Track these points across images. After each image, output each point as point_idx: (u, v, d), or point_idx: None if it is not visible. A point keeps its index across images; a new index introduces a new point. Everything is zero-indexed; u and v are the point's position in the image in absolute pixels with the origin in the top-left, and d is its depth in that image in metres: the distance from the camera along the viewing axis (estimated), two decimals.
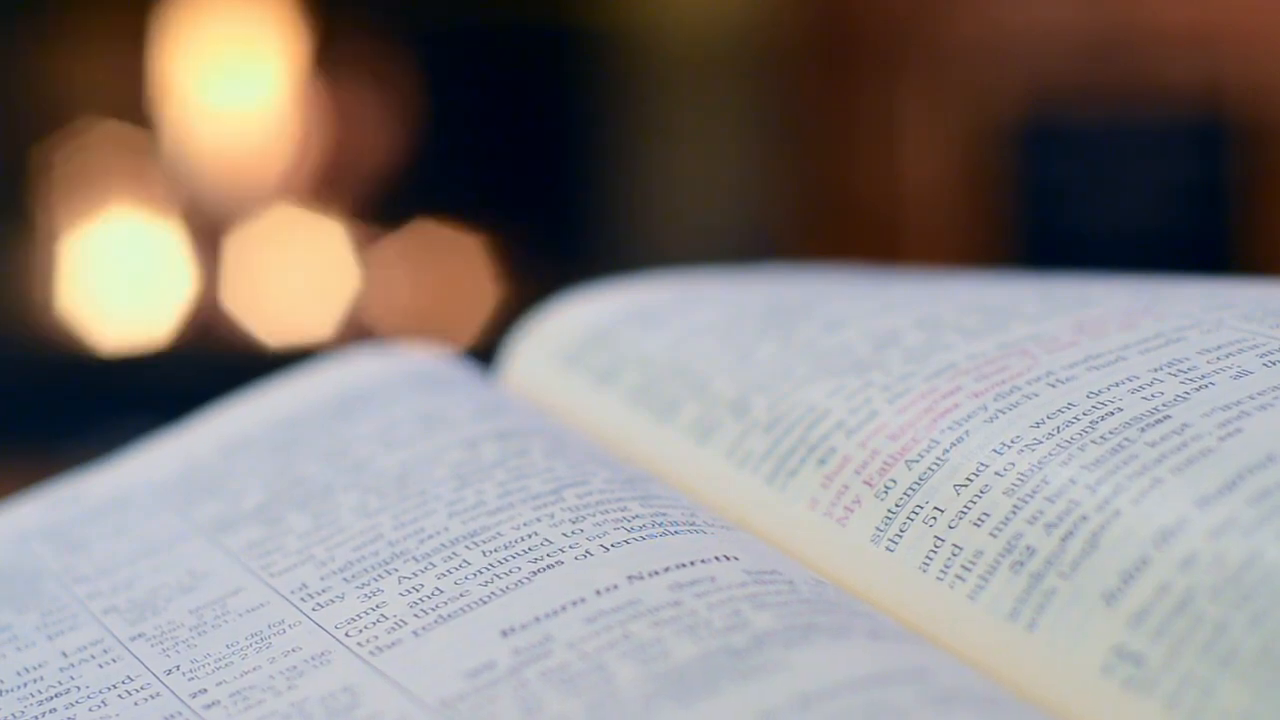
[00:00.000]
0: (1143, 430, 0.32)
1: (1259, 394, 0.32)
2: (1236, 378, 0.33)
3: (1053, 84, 1.70)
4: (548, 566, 0.32)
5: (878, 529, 0.33)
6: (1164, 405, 0.32)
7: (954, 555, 0.31)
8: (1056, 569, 0.30)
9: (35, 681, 0.34)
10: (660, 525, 0.33)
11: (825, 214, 1.78)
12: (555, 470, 0.36)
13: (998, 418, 0.33)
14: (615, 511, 0.34)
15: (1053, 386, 0.34)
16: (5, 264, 1.67)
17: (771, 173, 1.77)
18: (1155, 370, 0.34)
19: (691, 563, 0.32)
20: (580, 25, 1.75)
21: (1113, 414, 0.32)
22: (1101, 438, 0.32)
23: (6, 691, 0.34)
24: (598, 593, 0.31)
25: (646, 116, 1.74)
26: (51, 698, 0.33)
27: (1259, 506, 0.29)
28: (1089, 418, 0.32)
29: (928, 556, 0.32)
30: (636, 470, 0.37)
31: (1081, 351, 0.35)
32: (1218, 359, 0.33)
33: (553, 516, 0.34)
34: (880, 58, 1.74)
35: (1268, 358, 0.33)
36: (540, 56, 1.76)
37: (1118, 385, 0.33)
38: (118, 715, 0.32)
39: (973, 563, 0.31)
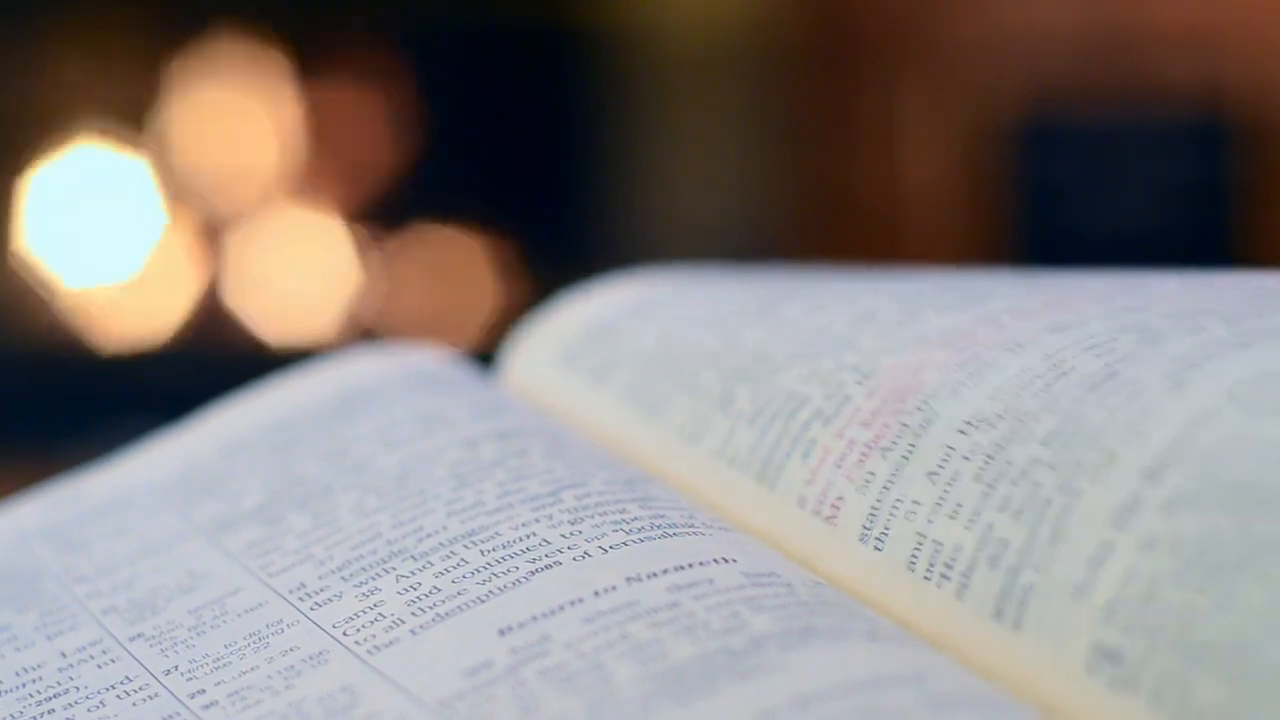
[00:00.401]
0: (1093, 389, 0.31)
1: (1209, 345, 0.31)
2: (1192, 333, 0.32)
3: (1053, 84, 1.70)
4: (546, 567, 0.32)
5: (864, 527, 0.33)
6: (1115, 362, 0.32)
7: (936, 552, 0.31)
8: (1030, 562, 0.29)
9: (34, 682, 0.34)
10: (659, 527, 0.33)
11: (825, 214, 1.78)
12: (554, 471, 0.36)
13: (960, 391, 0.33)
14: (614, 513, 0.34)
15: (1011, 352, 0.33)
16: (5, 263, 1.67)
17: (771, 173, 1.77)
18: (1114, 331, 0.33)
19: (690, 565, 0.32)
20: (580, 25, 1.75)
21: (1066, 374, 0.32)
22: (1055, 403, 0.31)
23: (6, 692, 0.34)
24: (596, 593, 0.31)
25: (646, 116, 1.74)
26: (50, 698, 0.33)
27: (1204, 473, 0.28)
28: (1043, 380, 0.32)
29: (913, 554, 0.32)
30: (635, 471, 0.37)
31: (1048, 319, 0.35)
32: (1178, 319, 0.33)
33: (551, 517, 0.34)
34: (880, 58, 1.74)
35: (1228, 319, 0.32)
36: (540, 57, 1.76)
37: (1074, 345, 0.33)
38: (116, 715, 0.32)
39: (954, 559, 0.31)
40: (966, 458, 0.32)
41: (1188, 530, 0.28)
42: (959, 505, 0.31)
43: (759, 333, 0.39)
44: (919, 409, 0.34)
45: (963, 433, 0.32)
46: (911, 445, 0.33)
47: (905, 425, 0.33)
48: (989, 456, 0.31)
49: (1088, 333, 0.33)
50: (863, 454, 0.34)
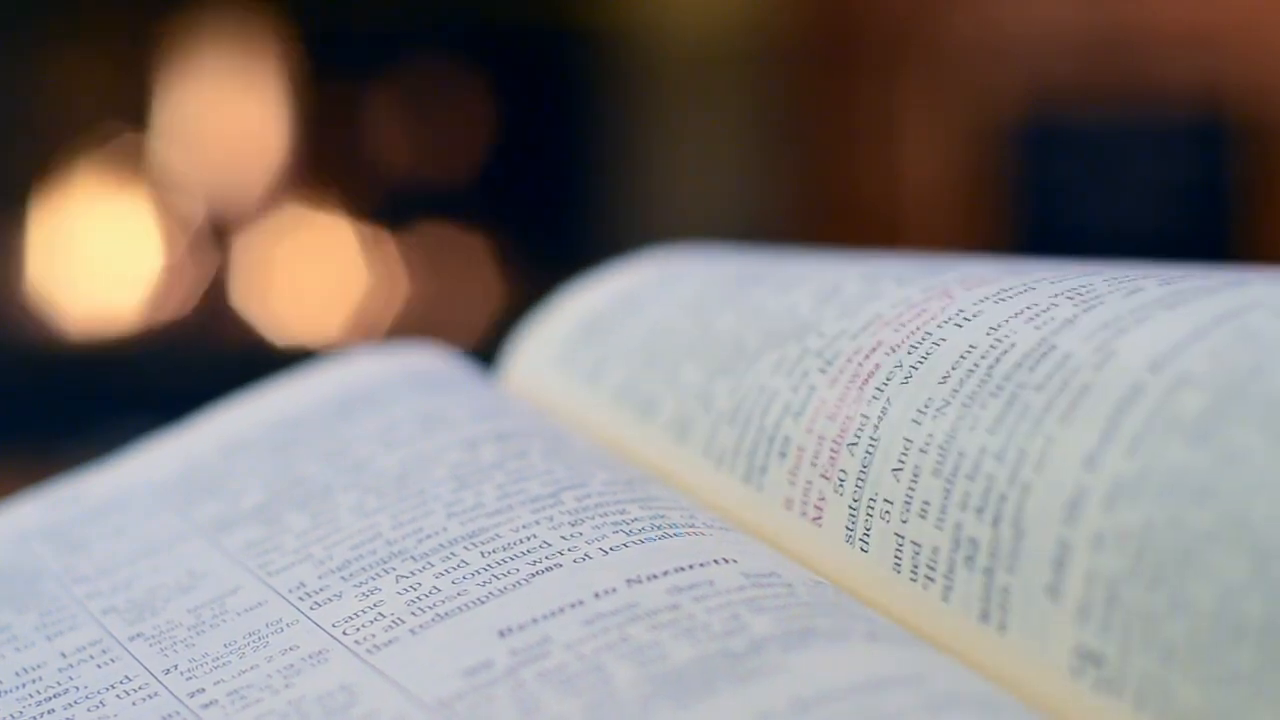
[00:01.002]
0: (1031, 370, 0.31)
1: (1140, 308, 0.31)
2: (1128, 295, 0.32)
3: (1053, 84, 1.70)
4: (546, 569, 0.32)
5: (847, 528, 0.33)
6: (1052, 333, 0.31)
7: (916, 554, 0.31)
8: (1001, 562, 0.29)
9: (34, 682, 0.34)
10: (659, 528, 0.33)
11: (825, 213, 1.78)
12: (554, 472, 0.36)
13: (911, 376, 0.33)
14: (614, 514, 0.34)
15: (959, 326, 0.33)
16: (7, 263, 1.67)
17: (772, 172, 1.77)
18: (1055, 295, 0.33)
19: (690, 566, 0.32)
20: (581, 25, 1.75)
21: (1007, 352, 0.32)
22: (998, 387, 0.31)
23: (6, 692, 0.34)
24: (596, 595, 0.31)
25: (647, 116, 1.74)
26: (50, 698, 0.33)
27: (1134, 459, 0.28)
28: (986, 361, 0.32)
29: (896, 556, 0.32)
30: (636, 471, 0.37)
31: (996, 286, 0.34)
32: (1119, 282, 0.32)
33: (551, 519, 0.34)
34: (880, 58, 1.74)
35: (1166, 279, 0.32)
36: (541, 57, 1.76)
37: (1016, 316, 0.33)
38: (116, 715, 0.32)
39: (934, 561, 0.31)
40: (923, 450, 0.32)
41: (1129, 525, 0.27)
42: (926, 503, 0.31)
43: (730, 319, 0.39)
44: (874, 398, 0.33)
45: (916, 422, 0.32)
46: (873, 439, 0.33)
47: (865, 416, 0.33)
48: (943, 448, 0.31)
49: (1031, 299, 0.33)
50: (832, 450, 0.34)
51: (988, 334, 0.32)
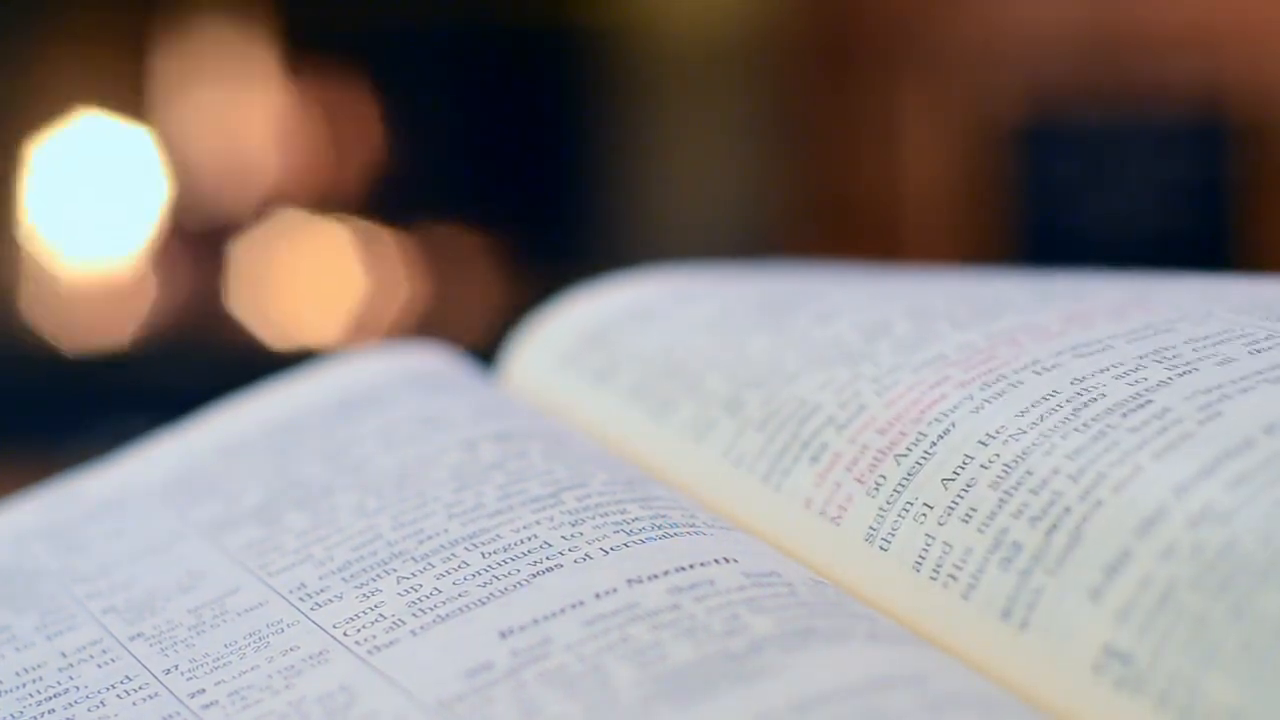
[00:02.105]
0: (1124, 415, 0.32)
1: (1241, 378, 0.32)
2: (1221, 364, 0.33)
3: (1053, 84, 1.70)
4: (547, 569, 0.32)
5: (870, 528, 0.33)
6: (1146, 390, 0.32)
7: (945, 553, 0.31)
8: (1043, 565, 0.30)
9: (34, 682, 0.34)
10: (659, 528, 0.33)
11: (825, 214, 1.78)
12: (554, 473, 0.36)
13: (984, 408, 0.34)
14: (614, 514, 0.34)
15: (1038, 374, 0.34)
16: (6, 264, 1.67)
17: (771, 173, 1.77)
18: (1141, 357, 0.34)
19: (690, 566, 0.32)
20: (580, 25, 1.75)
21: (1096, 400, 0.32)
22: (1084, 425, 0.32)
23: (6, 692, 0.34)
24: (596, 596, 0.31)
25: (646, 116, 1.74)
26: (50, 698, 0.33)
27: (1235, 493, 0.29)
28: (1072, 405, 0.33)
29: (920, 555, 0.32)
30: (636, 471, 0.37)
31: (1069, 340, 0.35)
32: (1204, 346, 0.33)
33: (552, 519, 0.34)
34: (880, 58, 1.74)
35: (1253, 345, 0.33)
36: (540, 56, 1.76)
37: (1103, 371, 0.33)
38: (116, 715, 0.32)
39: (963, 561, 0.31)
40: (984, 466, 0.32)
41: (1211, 540, 0.28)
42: (972, 510, 0.32)
43: (765, 341, 0.39)
44: (938, 420, 0.34)
45: (983, 443, 0.33)
46: (927, 452, 0.33)
47: (922, 434, 0.34)
48: (1008, 466, 0.32)
49: (1115, 358, 0.34)
50: (875, 458, 0.34)
51: (1072, 384, 0.33)
